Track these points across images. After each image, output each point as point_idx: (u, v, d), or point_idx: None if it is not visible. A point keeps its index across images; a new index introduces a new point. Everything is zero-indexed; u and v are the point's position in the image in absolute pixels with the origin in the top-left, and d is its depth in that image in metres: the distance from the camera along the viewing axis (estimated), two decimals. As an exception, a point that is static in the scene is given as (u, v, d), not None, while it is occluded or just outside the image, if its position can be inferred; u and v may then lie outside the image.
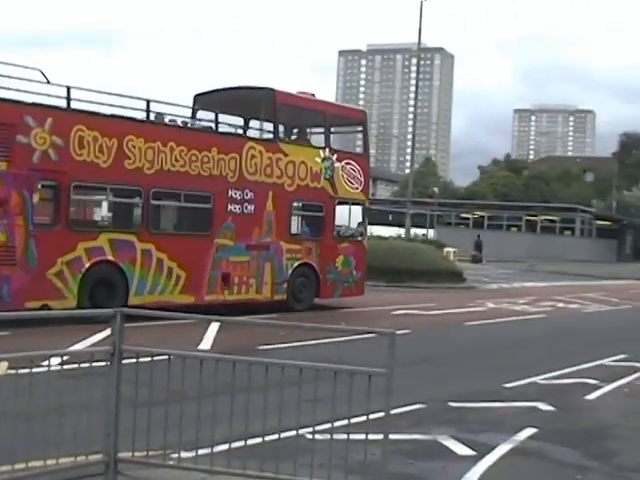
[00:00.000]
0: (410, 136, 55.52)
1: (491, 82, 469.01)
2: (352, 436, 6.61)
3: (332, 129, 24.33)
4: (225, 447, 6.77)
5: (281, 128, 23.38)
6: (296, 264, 22.15)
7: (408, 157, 53.98)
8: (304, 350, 13.78)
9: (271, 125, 22.66)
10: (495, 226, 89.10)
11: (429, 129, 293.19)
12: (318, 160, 22.81)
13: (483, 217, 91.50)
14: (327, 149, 23.21)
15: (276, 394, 6.45)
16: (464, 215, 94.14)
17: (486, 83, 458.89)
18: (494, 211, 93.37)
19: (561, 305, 29.21)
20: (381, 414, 6.36)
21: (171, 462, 6.90)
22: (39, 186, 17.22)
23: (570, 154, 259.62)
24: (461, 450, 8.58)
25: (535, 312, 25.64)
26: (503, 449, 8.72)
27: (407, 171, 57.35)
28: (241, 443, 6.67)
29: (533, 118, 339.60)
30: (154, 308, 16.22)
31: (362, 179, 24.18)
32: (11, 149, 16.49)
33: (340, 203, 23.60)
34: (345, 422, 6.58)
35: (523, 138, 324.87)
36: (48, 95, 17.38)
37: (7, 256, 16.39)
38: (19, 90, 16.73)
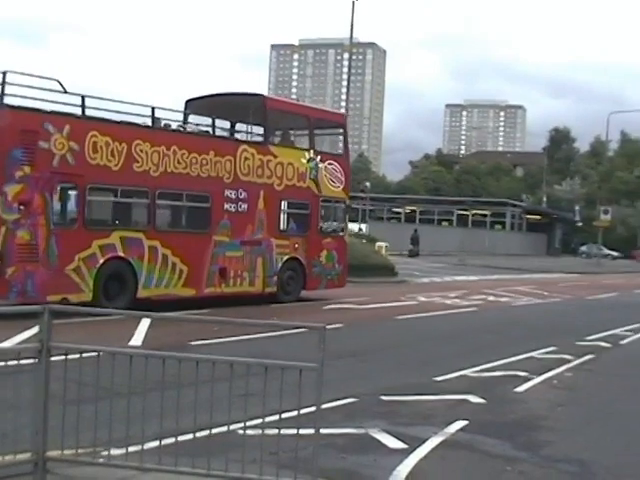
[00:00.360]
0: (342, 131, 55.45)
1: (423, 77, 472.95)
2: (284, 431, 6.61)
3: (316, 131, 25.89)
4: (156, 444, 6.73)
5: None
6: (285, 258, 23.82)
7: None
8: (236, 345, 13.78)
9: (261, 128, 24.32)
10: (427, 220, 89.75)
11: (361, 124, 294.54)
12: (304, 161, 24.44)
13: (415, 212, 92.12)
14: (312, 151, 24.82)
15: (207, 390, 6.41)
16: (396, 210, 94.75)
17: (418, 78, 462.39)
18: (426, 205, 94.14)
19: (492, 299, 29.53)
20: (312, 408, 6.36)
21: (101, 460, 6.81)
22: (58, 188, 18.66)
23: (501, 149, 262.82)
24: (392, 443, 8.63)
25: (466, 306, 25.89)
26: (434, 442, 8.78)
27: (340, 166, 57.16)
28: (172, 440, 6.65)
29: (464, 113, 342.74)
30: (160, 300, 19.94)
31: (343, 178, 25.90)
32: (34, 154, 17.84)
33: (324, 201, 25.19)
34: (276, 417, 6.58)
35: (454, 133, 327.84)
36: (65, 104, 18.98)
37: (31, 253, 17.80)
38: (39, 99, 18.31)
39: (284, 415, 6.67)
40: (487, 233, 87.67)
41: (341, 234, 26.29)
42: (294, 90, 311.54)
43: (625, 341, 19.11)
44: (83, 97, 19.03)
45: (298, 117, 25.65)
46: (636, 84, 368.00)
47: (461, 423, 9.64)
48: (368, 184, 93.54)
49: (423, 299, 27.20)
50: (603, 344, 18.08)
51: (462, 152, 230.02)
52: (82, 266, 18.59)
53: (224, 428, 6.69)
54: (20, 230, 17.57)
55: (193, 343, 13.84)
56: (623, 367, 15.64)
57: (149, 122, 20.84)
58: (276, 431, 6.55)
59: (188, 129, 23.03)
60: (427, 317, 22.09)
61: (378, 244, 48.72)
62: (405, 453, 8.24)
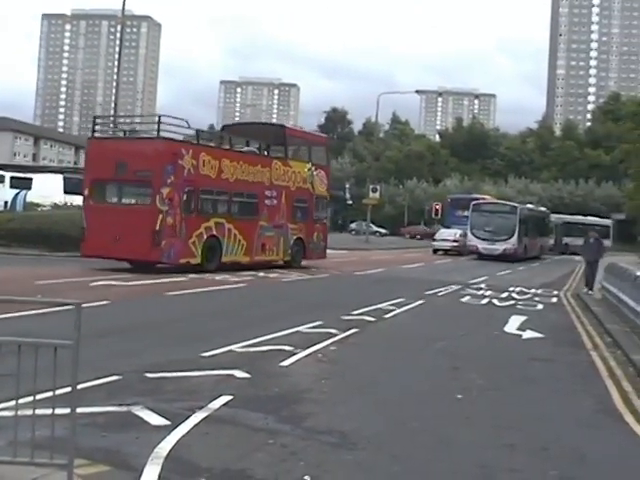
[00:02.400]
0: (114, 104, 54.41)
1: (199, 54, 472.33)
2: (40, 411, 6.41)
3: (312, 149, 37.21)
4: None
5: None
6: (295, 238, 34.75)
7: (112, 126, 52.40)
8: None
9: (282, 148, 34.68)
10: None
11: (135, 98, 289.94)
12: (306, 170, 35.60)
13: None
14: (310, 162, 36.02)
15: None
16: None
17: (194, 55, 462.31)
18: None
19: (262, 274, 29.88)
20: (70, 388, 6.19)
21: None
22: (185, 190, 28.08)
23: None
24: (155, 420, 8.53)
25: (236, 282, 26.06)
26: (198, 417, 8.75)
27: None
28: None
29: (239, 90, 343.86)
30: (231, 264, 30.15)
31: (326, 182, 37.44)
32: (176, 168, 27.57)
33: (316, 198, 36.13)
34: (31, 397, 6.36)
35: (229, 109, 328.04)
36: (187, 135, 30.25)
37: (173, 232, 27.39)
38: (172, 132, 28.94)
39: (41, 395, 6.46)
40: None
41: (324, 221, 37.64)
42: (65, 62, 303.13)
43: (389, 315, 19.79)
44: (197, 130, 30.62)
45: (303, 140, 37.64)
46: (404, 68, 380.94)
47: (225, 398, 9.66)
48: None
49: (193, 275, 27.14)
50: (368, 318, 18.65)
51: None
52: (196, 240, 28.39)
53: (-25, 411, 6.43)
54: (169, 217, 27.13)
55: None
56: (386, 340, 16.13)
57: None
58: (31, 412, 6.32)
59: (246, 149, 33.21)
60: (197, 293, 22.10)
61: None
62: (168, 430, 8.17)
